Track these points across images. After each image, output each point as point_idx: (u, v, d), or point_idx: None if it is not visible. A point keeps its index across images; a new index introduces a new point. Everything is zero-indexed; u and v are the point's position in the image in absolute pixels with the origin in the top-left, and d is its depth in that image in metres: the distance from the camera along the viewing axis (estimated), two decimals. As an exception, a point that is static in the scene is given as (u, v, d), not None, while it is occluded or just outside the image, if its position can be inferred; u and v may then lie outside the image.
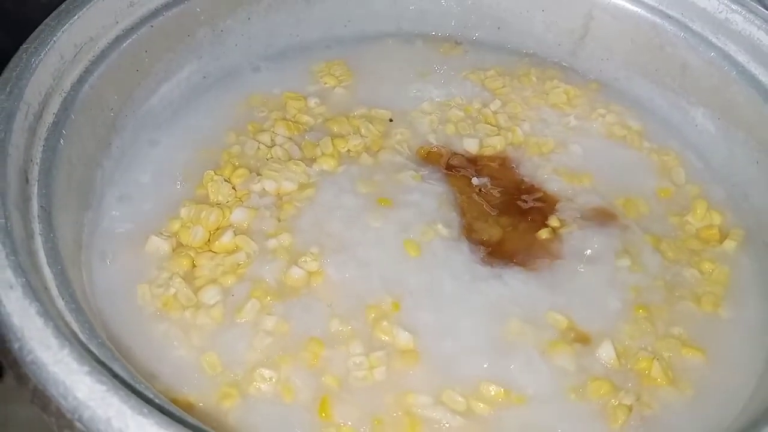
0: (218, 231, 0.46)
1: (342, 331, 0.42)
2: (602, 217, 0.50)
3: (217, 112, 0.55)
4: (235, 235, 0.46)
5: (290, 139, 0.53)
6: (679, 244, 0.49)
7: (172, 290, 0.43)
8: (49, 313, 0.31)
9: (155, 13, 0.52)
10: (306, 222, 0.47)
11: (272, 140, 0.53)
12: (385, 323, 0.43)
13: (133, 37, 0.50)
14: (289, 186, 0.49)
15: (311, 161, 0.52)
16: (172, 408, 0.30)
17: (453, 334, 0.43)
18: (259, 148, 0.52)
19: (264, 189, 0.49)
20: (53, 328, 0.30)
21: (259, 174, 0.50)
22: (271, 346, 0.41)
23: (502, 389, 0.40)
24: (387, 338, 0.42)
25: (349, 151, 0.53)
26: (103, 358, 0.31)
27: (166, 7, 0.52)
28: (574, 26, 0.61)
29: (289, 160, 0.51)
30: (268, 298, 0.43)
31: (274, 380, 0.40)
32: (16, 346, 0.29)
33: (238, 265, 0.45)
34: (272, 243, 0.46)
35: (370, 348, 0.42)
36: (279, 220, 0.47)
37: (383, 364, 0.41)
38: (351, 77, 0.59)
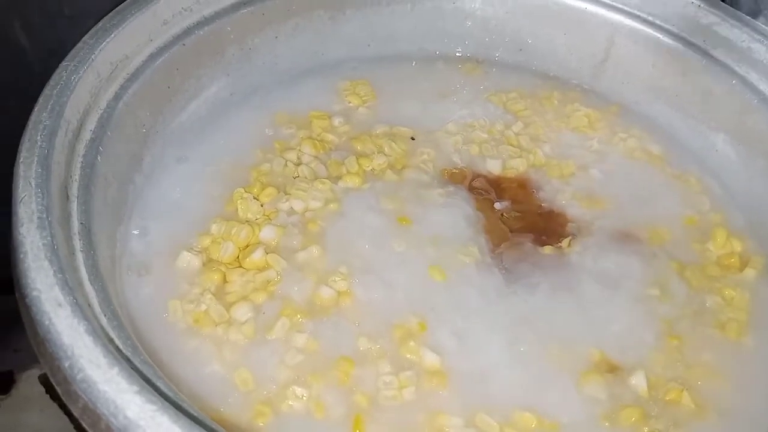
0: (248, 248, 0.47)
1: (371, 350, 0.43)
2: (627, 243, 0.50)
3: (244, 130, 0.56)
4: (266, 253, 0.46)
5: (316, 157, 0.54)
6: (701, 271, 0.50)
7: (204, 306, 0.44)
8: (96, 331, 0.31)
9: (187, 32, 0.52)
10: (333, 240, 0.48)
11: (299, 158, 0.53)
12: (412, 343, 0.43)
13: (166, 55, 0.51)
14: (315, 205, 0.50)
15: (336, 179, 0.52)
16: (219, 428, 0.30)
17: (482, 358, 0.43)
18: (286, 165, 0.53)
19: (292, 208, 0.50)
20: (102, 346, 0.30)
21: (287, 193, 0.50)
22: (301, 364, 0.42)
23: (535, 416, 0.41)
24: (414, 358, 0.43)
25: (373, 169, 0.54)
26: (149, 377, 0.31)
27: (198, 25, 0.53)
28: (596, 50, 0.62)
29: (316, 179, 0.52)
30: (298, 316, 0.44)
31: (305, 398, 0.40)
32: (66, 364, 0.30)
33: (269, 282, 0.45)
34: (301, 261, 0.46)
35: (399, 368, 0.42)
36: (307, 239, 0.48)
37: (412, 384, 0.41)
38: (375, 97, 0.60)
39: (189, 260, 0.46)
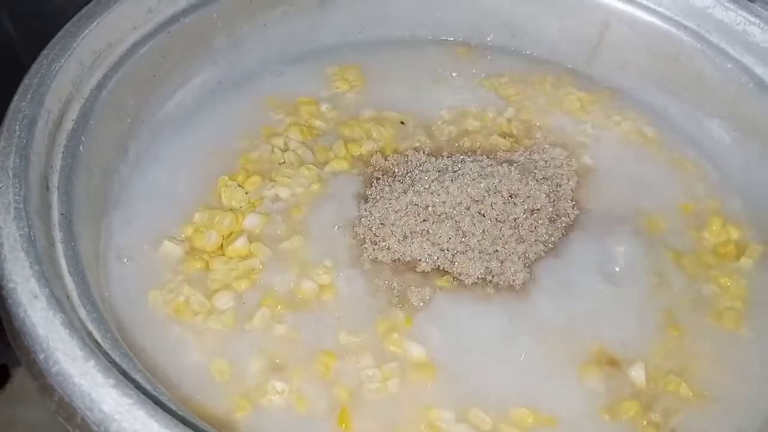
0: (231, 236, 0.46)
1: (352, 342, 0.42)
2: (623, 232, 0.50)
3: (232, 118, 0.55)
4: (250, 241, 0.46)
5: (303, 143, 0.53)
6: (698, 260, 0.49)
7: (183, 296, 0.43)
8: (73, 324, 0.31)
9: (173, 20, 0.52)
10: (317, 229, 0.48)
11: (286, 144, 0.53)
12: (396, 336, 0.42)
13: (151, 43, 0.50)
14: (301, 191, 0.49)
15: (323, 164, 0.52)
16: (198, 422, 0.30)
17: (474, 351, 0.43)
18: (272, 152, 0.52)
19: (276, 195, 0.49)
20: (78, 339, 0.30)
21: (272, 180, 0.50)
22: (280, 355, 0.41)
23: (531, 410, 0.40)
24: (398, 350, 0.42)
25: (361, 155, 0.53)
26: (127, 370, 0.31)
27: (183, 13, 0.52)
28: (590, 34, 0.61)
29: (302, 165, 0.51)
30: (279, 307, 0.43)
31: (286, 392, 0.40)
32: (41, 356, 0.29)
33: (252, 270, 0.45)
34: (284, 250, 0.46)
35: (382, 360, 0.41)
36: (291, 227, 0.47)
37: (397, 376, 0.41)
38: (363, 82, 0.59)
39: (171, 249, 0.45)
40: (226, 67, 0.57)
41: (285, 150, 0.52)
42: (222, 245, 0.46)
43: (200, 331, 0.42)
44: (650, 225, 0.51)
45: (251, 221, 0.47)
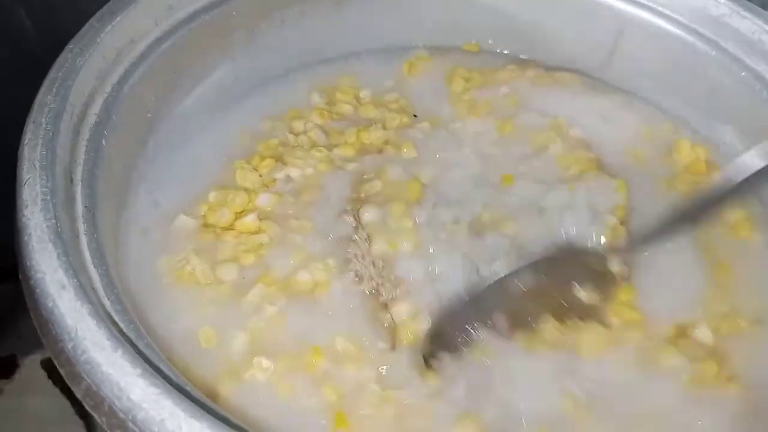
0: (243, 213, 0.48)
1: (341, 346, 0.42)
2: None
3: (249, 115, 0.56)
4: (260, 219, 0.47)
5: (320, 127, 0.55)
6: None
7: (191, 264, 0.44)
8: (100, 314, 0.31)
9: (193, 16, 0.52)
10: (324, 215, 0.48)
11: (305, 128, 0.55)
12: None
13: (172, 39, 0.50)
14: (310, 172, 0.51)
15: (334, 147, 0.53)
16: (221, 411, 0.30)
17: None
18: (289, 136, 0.54)
19: (288, 176, 0.50)
20: (105, 329, 0.30)
21: (284, 163, 0.51)
22: (265, 333, 0.42)
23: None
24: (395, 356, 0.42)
25: (372, 143, 0.54)
26: (152, 359, 0.31)
27: (204, 10, 0.53)
28: (605, 41, 0.62)
29: (313, 147, 0.53)
30: (273, 288, 0.44)
31: (270, 371, 0.40)
32: (69, 345, 0.30)
33: (260, 245, 0.46)
34: (292, 231, 0.47)
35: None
36: (300, 209, 0.48)
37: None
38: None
39: (185, 223, 0.47)
40: (244, 64, 0.57)
41: (300, 134, 0.54)
42: (234, 223, 0.47)
43: (198, 299, 0.43)
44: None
45: (263, 200, 0.48)
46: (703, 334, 0.44)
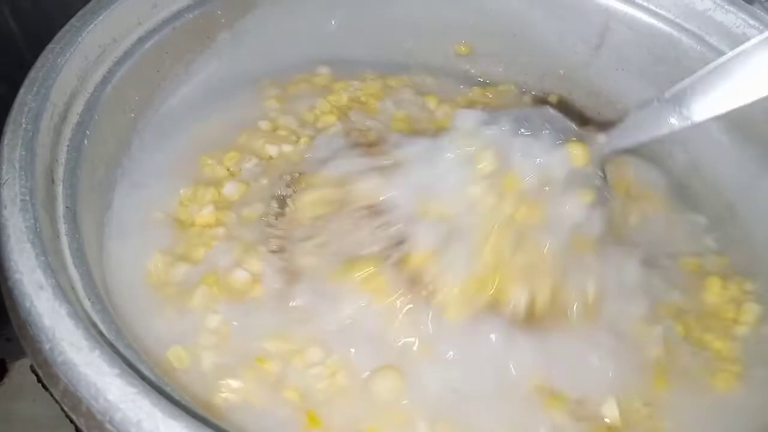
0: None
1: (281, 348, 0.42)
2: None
3: (233, 112, 0.56)
4: (217, 209, 0.47)
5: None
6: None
7: (160, 264, 0.44)
8: (78, 314, 0.31)
9: (177, 15, 0.52)
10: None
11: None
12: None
13: (155, 38, 0.50)
14: (288, 149, 0.52)
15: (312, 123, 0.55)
16: (201, 411, 0.30)
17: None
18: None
19: (253, 162, 0.51)
20: (83, 329, 0.30)
21: (257, 155, 0.52)
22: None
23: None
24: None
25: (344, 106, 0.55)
26: (131, 360, 0.31)
27: (187, 9, 0.53)
28: (591, 36, 0.61)
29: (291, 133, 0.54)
30: (215, 288, 0.43)
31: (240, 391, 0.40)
32: (47, 346, 0.30)
33: (213, 238, 0.46)
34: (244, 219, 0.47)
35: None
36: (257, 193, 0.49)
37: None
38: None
39: (166, 222, 0.47)
40: (229, 63, 0.57)
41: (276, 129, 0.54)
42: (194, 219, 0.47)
43: (165, 303, 0.42)
44: None
45: (229, 189, 0.49)
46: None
